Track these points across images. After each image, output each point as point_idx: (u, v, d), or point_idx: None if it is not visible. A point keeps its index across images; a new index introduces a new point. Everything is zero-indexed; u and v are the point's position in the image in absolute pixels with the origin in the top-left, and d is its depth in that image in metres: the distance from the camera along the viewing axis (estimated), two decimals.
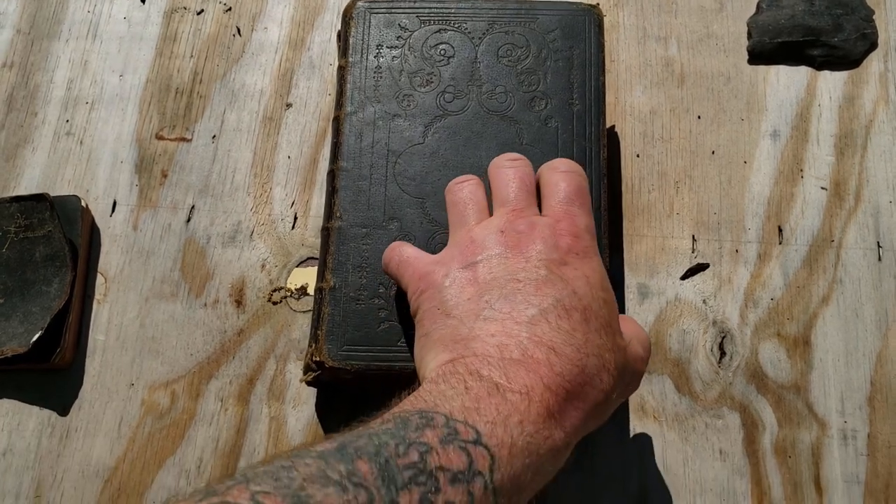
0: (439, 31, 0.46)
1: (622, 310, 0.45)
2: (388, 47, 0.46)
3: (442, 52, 0.45)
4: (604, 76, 0.45)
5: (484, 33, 0.46)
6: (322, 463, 0.25)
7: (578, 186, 0.37)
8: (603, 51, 0.45)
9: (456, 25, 0.46)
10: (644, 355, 0.36)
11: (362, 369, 0.39)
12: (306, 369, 0.41)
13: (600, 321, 0.33)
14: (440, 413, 0.28)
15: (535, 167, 0.39)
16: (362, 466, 0.25)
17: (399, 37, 0.46)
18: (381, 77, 0.45)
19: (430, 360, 0.33)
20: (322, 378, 0.40)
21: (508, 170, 0.38)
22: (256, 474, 0.25)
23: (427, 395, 0.30)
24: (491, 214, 0.38)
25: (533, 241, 0.35)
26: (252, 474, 0.25)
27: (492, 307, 0.33)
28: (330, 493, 0.24)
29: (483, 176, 0.40)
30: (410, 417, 0.28)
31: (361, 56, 0.45)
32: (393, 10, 0.46)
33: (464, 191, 0.39)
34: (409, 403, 0.30)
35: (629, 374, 0.34)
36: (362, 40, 0.46)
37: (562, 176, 0.37)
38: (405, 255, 0.38)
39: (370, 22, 0.46)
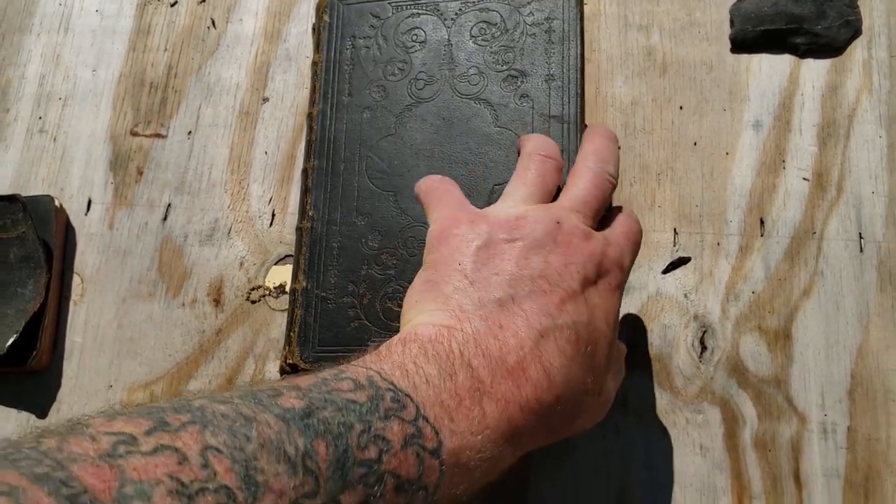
0: (411, 16, 0.44)
1: None
2: (360, 38, 0.44)
3: (414, 37, 0.44)
4: (583, 47, 0.43)
5: (457, 14, 0.44)
6: (284, 428, 0.24)
7: (639, 230, 0.37)
8: (582, 21, 0.43)
9: (428, 8, 0.44)
10: (601, 415, 0.35)
11: None
12: (281, 372, 0.40)
13: (598, 361, 0.32)
14: (415, 402, 0.28)
15: (510, 151, 0.39)
16: (320, 448, 0.24)
17: (371, 26, 0.45)
18: (353, 70, 0.44)
19: (428, 309, 0.32)
20: None
21: (594, 173, 0.37)
22: (215, 418, 0.23)
23: (411, 365, 0.29)
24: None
25: (582, 251, 0.34)
26: (210, 415, 0.23)
27: (513, 299, 0.32)
28: (280, 474, 0.23)
29: (454, 165, 0.40)
30: (385, 394, 0.27)
31: (334, 50, 0.44)
32: (365, 0, 0.45)
33: (544, 165, 0.37)
34: (392, 363, 0.29)
35: (589, 420, 0.34)
36: (335, 33, 0.45)
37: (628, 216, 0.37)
38: (449, 191, 0.37)
39: (342, 14, 0.45)
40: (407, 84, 0.43)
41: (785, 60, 0.49)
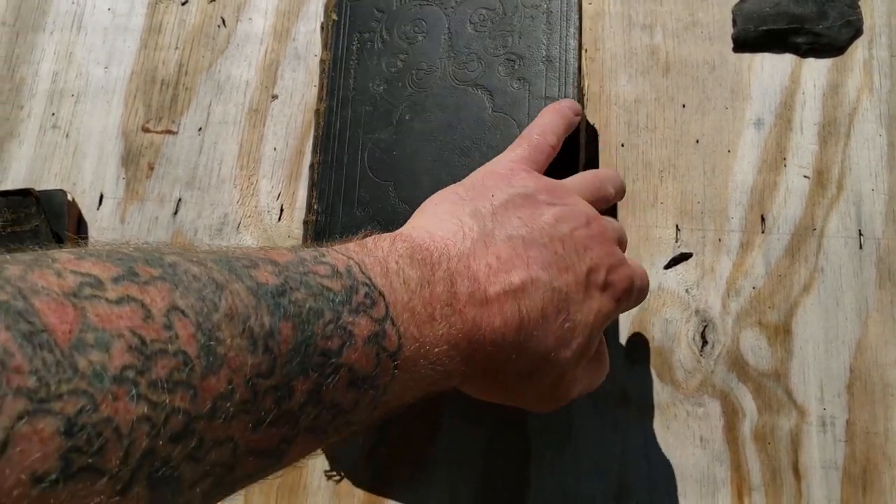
0: (413, 7, 0.45)
1: None
2: (365, 32, 0.45)
3: (416, 28, 0.44)
4: (580, 26, 0.43)
5: (458, 2, 0.44)
6: (253, 303, 0.23)
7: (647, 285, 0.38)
8: (581, 1, 0.44)
9: None
10: (553, 401, 0.35)
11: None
12: None
13: (571, 343, 0.33)
14: (386, 302, 0.27)
15: (507, 134, 0.39)
16: (285, 330, 0.23)
17: (376, 20, 0.45)
18: (358, 64, 0.45)
19: (439, 217, 0.33)
20: None
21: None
22: (186, 278, 0.22)
23: (394, 264, 0.29)
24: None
25: (608, 250, 0.35)
26: (182, 275, 0.22)
27: (523, 241, 0.32)
28: (240, 349, 0.22)
29: (452, 153, 0.41)
30: (360, 287, 0.27)
31: (341, 47, 0.45)
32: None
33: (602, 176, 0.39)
34: (375, 258, 0.28)
35: (540, 398, 0.34)
36: (342, 31, 0.45)
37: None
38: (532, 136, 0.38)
39: (349, 11, 0.46)
40: (408, 75, 0.44)
41: (786, 60, 0.50)
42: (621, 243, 0.38)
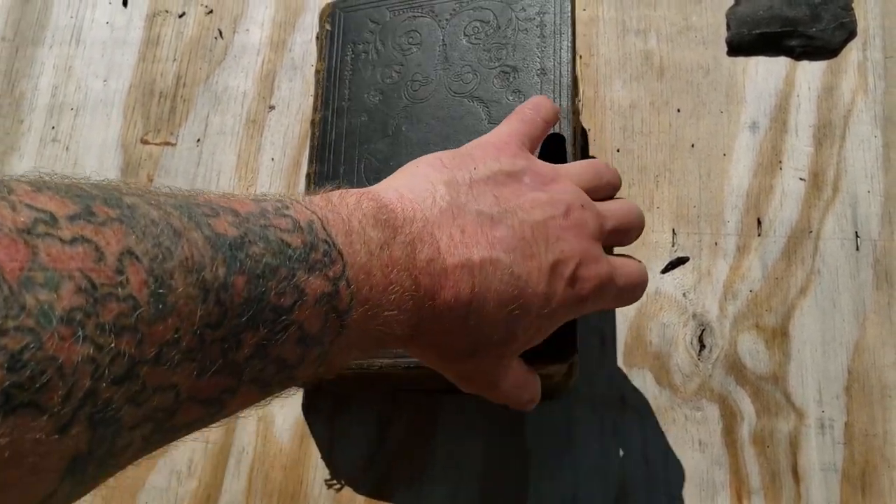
0: (407, 19, 0.45)
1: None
2: (359, 44, 0.45)
3: (410, 40, 0.45)
4: (573, 39, 0.43)
5: (451, 14, 0.45)
6: (209, 254, 0.23)
7: (642, 282, 0.37)
8: (573, 13, 0.44)
9: (424, 11, 0.45)
10: (483, 385, 0.34)
11: (341, 371, 0.40)
12: None
13: (519, 332, 0.32)
14: (344, 261, 0.27)
15: None
16: (238, 284, 0.23)
17: (370, 31, 0.45)
18: (353, 75, 0.45)
19: (414, 179, 0.32)
20: None
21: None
22: (143, 221, 0.22)
23: (357, 223, 0.28)
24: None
25: (582, 246, 0.33)
26: (140, 218, 0.21)
27: (492, 220, 0.32)
28: (191, 299, 0.22)
29: None
30: (320, 245, 0.26)
31: (335, 57, 0.46)
32: (364, 6, 0.46)
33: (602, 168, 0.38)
34: (338, 215, 0.28)
35: (472, 376, 0.34)
36: (336, 41, 0.46)
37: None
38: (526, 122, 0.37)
39: (343, 22, 0.46)
40: (403, 86, 0.44)
41: (780, 63, 0.50)
42: (621, 232, 0.37)
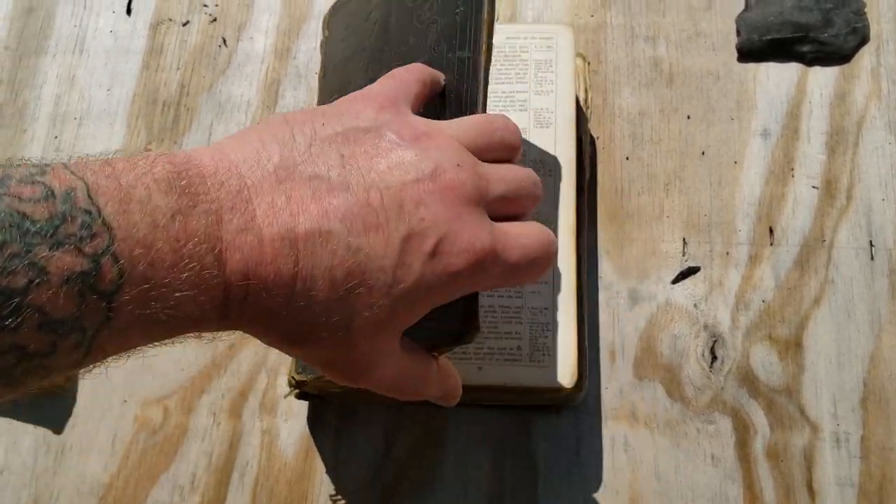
0: (368, 1, 0.42)
1: (614, 314, 0.44)
2: (341, 41, 0.44)
3: (372, 23, 0.41)
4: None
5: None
6: None
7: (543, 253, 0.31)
8: None
9: None
10: (341, 371, 0.30)
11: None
12: (289, 385, 0.41)
13: (354, 319, 0.28)
14: (112, 234, 0.23)
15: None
16: None
17: (347, 25, 0.43)
18: (341, 74, 0.43)
19: (262, 127, 0.29)
20: (309, 391, 0.41)
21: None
22: None
23: (142, 190, 0.24)
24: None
25: (454, 213, 0.29)
26: None
27: (329, 184, 0.27)
28: None
29: None
30: (77, 216, 0.23)
31: (329, 61, 0.45)
32: (349, 3, 0.44)
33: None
34: (117, 181, 0.24)
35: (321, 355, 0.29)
36: (331, 45, 0.45)
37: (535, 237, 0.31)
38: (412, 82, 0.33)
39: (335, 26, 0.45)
40: (362, 72, 0.40)
41: (792, 69, 0.49)
42: (511, 200, 0.31)
